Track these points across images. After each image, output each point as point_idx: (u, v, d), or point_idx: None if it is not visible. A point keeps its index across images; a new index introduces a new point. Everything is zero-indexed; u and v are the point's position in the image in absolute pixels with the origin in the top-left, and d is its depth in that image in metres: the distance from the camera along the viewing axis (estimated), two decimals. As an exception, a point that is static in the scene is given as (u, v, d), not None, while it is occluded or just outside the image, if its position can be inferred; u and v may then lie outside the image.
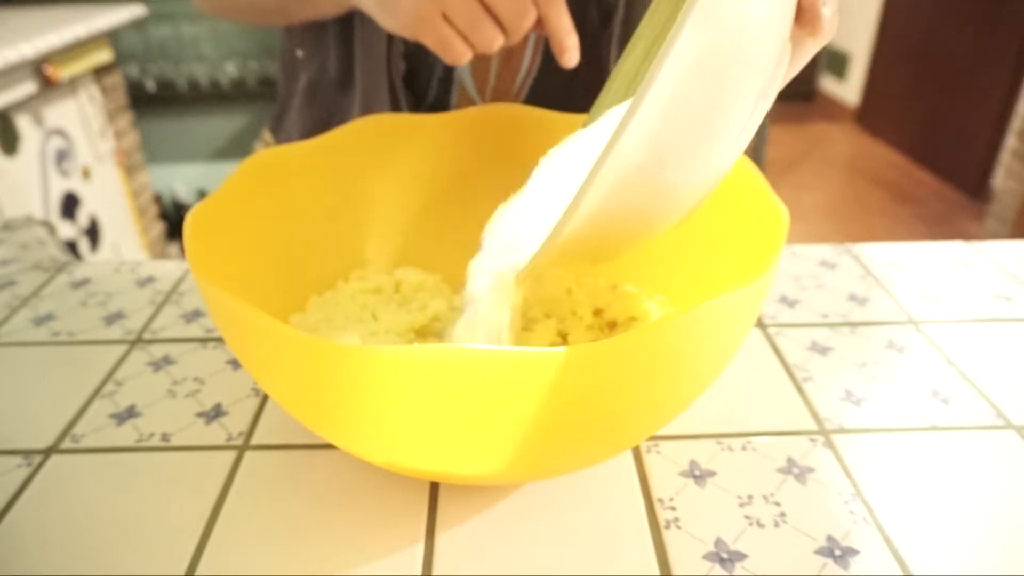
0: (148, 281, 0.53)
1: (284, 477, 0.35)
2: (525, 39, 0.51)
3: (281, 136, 0.62)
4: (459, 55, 0.40)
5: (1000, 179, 2.53)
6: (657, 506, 0.33)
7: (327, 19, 0.52)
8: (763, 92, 0.25)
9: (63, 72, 1.59)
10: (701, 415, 0.38)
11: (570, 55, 0.41)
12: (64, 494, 0.34)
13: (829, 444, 0.37)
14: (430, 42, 0.40)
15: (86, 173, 1.75)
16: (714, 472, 0.35)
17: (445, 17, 0.39)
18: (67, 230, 1.67)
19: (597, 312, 0.40)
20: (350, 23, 0.52)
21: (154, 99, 2.43)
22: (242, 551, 0.31)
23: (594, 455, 0.32)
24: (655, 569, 0.30)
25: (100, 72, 1.79)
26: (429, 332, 0.40)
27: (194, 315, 0.49)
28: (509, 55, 0.51)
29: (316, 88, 0.56)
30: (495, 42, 0.39)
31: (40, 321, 0.49)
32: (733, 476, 0.35)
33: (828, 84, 3.80)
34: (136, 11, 1.85)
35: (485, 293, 0.32)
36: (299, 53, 0.57)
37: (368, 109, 0.52)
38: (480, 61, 0.51)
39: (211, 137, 2.58)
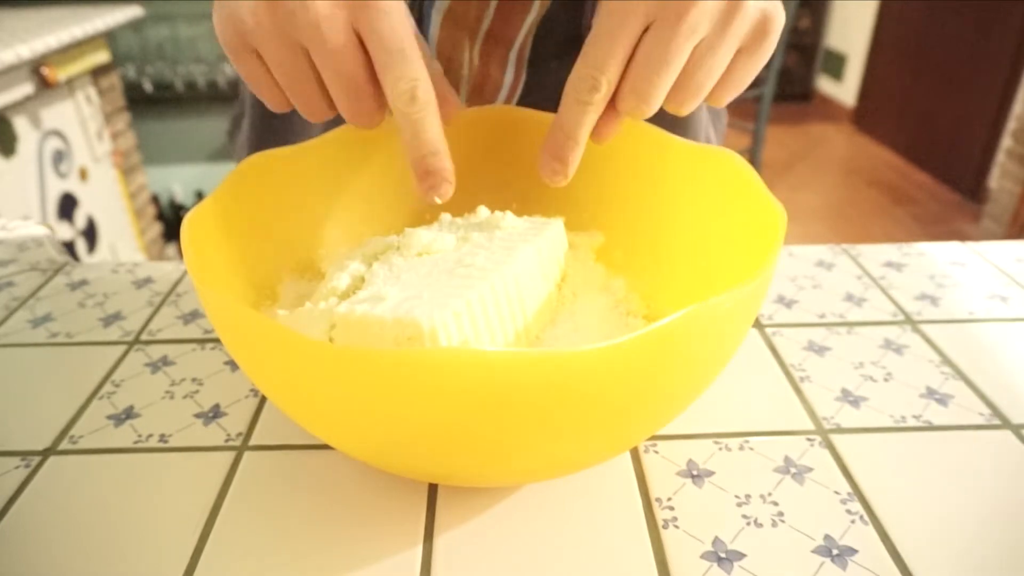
0: (146, 282, 0.53)
1: (283, 478, 0.35)
2: (503, 63, 0.49)
3: (238, 136, 0.60)
4: (271, 102, 0.34)
5: (995, 180, 2.54)
6: (655, 506, 0.33)
7: None
8: None
9: (60, 73, 1.59)
10: (699, 415, 0.38)
11: (436, 185, 0.33)
12: (62, 495, 0.34)
13: (826, 444, 0.37)
14: (243, 76, 0.34)
15: (83, 174, 1.75)
16: (712, 472, 0.35)
17: (260, 56, 0.32)
18: (64, 231, 1.67)
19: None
20: None
21: (151, 100, 2.43)
22: (241, 552, 0.31)
23: (593, 456, 0.32)
24: (653, 568, 0.30)
25: (97, 73, 1.79)
26: None
27: (192, 316, 0.49)
28: (484, 80, 0.50)
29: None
30: (320, 113, 0.33)
31: (38, 322, 0.49)
32: (731, 476, 0.35)
33: (825, 85, 3.81)
34: (133, 12, 1.85)
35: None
36: None
37: None
38: (451, 78, 0.50)
39: (208, 138, 2.57)
